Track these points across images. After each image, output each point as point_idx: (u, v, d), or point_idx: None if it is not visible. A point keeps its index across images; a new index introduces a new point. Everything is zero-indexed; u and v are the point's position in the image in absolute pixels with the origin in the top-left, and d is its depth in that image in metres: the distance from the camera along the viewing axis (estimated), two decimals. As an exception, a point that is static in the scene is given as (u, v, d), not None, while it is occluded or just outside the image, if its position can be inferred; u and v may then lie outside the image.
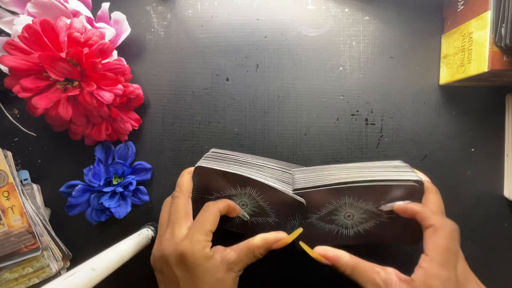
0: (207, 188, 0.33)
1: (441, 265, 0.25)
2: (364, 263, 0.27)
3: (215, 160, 0.33)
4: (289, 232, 0.31)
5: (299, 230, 0.31)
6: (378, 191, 0.30)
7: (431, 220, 0.27)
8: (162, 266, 0.29)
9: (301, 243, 0.30)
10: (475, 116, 0.39)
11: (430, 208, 0.28)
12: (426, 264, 0.25)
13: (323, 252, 0.29)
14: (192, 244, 0.27)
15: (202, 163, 0.32)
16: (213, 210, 0.30)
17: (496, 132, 0.39)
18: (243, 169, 0.32)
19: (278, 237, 0.30)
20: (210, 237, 0.28)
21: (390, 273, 0.26)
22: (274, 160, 0.38)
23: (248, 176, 0.31)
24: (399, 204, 0.30)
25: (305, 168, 0.36)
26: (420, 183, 0.30)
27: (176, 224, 0.29)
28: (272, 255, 0.30)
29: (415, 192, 0.30)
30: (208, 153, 0.35)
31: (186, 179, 0.32)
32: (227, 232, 0.34)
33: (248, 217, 0.33)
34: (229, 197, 0.33)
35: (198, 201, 0.32)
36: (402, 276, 0.26)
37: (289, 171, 0.35)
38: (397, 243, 0.33)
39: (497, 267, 0.40)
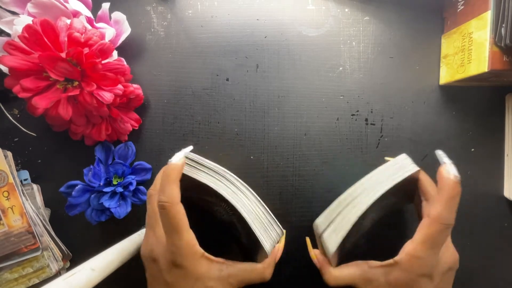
0: (189, 187, 0.31)
1: (424, 252, 0.27)
2: (345, 267, 0.30)
3: (195, 168, 0.31)
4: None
5: (284, 234, 0.32)
6: (389, 192, 0.31)
7: (433, 210, 0.27)
8: (150, 265, 0.29)
9: (307, 239, 0.33)
10: (475, 116, 0.39)
11: (446, 198, 0.27)
12: (410, 250, 0.27)
13: (318, 254, 0.32)
14: (183, 252, 0.26)
15: (184, 171, 0.30)
16: (176, 212, 0.26)
17: (496, 132, 0.39)
18: (222, 185, 0.30)
19: (276, 250, 0.31)
20: (193, 237, 0.27)
21: (373, 264, 0.29)
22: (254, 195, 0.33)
23: (225, 196, 0.30)
24: (445, 172, 0.28)
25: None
26: (418, 171, 0.31)
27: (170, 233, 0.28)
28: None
29: (415, 176, 0.31)
30: (188, 155, 0.31)
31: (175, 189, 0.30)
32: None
33: (191, 147, 0.31)
34: (206, 201, 0.33)
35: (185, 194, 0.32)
36: (385, 262, 0.28)
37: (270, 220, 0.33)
38: (398, 208, 0.37)
39: (497, 267, 0.40)
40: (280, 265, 0.39)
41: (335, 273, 0.30)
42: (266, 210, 0.31)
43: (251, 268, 0.29)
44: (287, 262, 0.39)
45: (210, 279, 0.27)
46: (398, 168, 0.32)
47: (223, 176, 0.31)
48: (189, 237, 0.27)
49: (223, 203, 0.31)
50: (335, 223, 0.30)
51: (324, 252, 0.31)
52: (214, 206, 0.33)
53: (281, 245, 0.31)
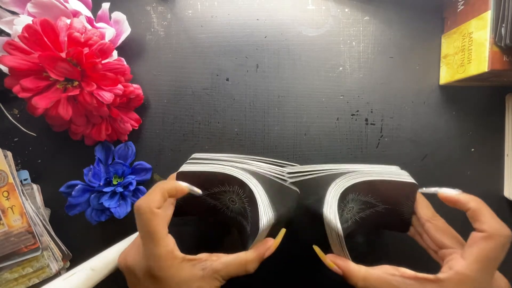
0: (200, 186, 0.32)
1: (480, 272, 0.24)
2: (373, 269, 0.26)
3: (199, 163, 0.33)
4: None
5: (283, 231, 0.31)
6: (383, 186, 0.31)
7: (485, 225, 0.24)
8: (127, 274, 0.28)
9: (315, 247, 0.30)
10: (475, 116, 0.39)
11: (487, 209, 0.25)
12: (462, 269, 0.24)
13: (334, 259, 0.28)
14: (162, 264, 0.25)
15: (184, 168, 0.32)
16: (151, 216, 0.26)
17: (496, 132, 0.39)
18: (229, 168, 0.32)
19: (267, 245, 0.29)
20: (170, 242, 0.26)
21: (405, 272, 0.25)
22: (264, 158, 0.36)
23: (234, 175, 0.30)
24: (450, 193, 0.27)
25: (299, 167, 0.35)
26: (417, 186, 0.30)
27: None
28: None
29: (411, 192, 0.30)
30: (190, 158, 0.35)
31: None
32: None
33: (200, 192, 0.31)
34: (218, 193, 0.33)
35: (186, 201, 0.32)
36: (423, 275, 0.25)
37: (281, 171, 0.34)
38: (388, 229, 0.35)
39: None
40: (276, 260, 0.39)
41: (363, 272, 0.26)
42: (265, 192, 0.31)
43: (234, 261, 0.27)
44: (285, 255, 0.39)
45: (194, 280, 0.26)
46: (394, 173, 0.32)
47: (231, 161, 0.33)
48: (166, 244, 0.26)
49: (236, 187, 0.31)
50: (326, 198, 0.29)
51: (338, 250, 0.29)
52: (227, 196, 0.33)
53: (276, 241, 0.30)
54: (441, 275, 0.24)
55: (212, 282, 0.26)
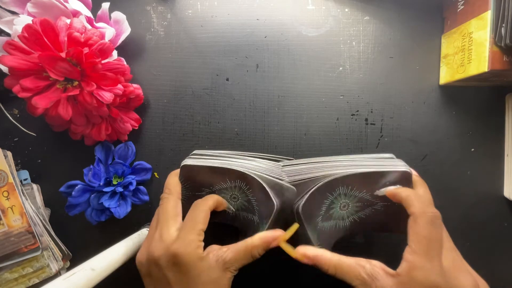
0: (196, 185, 0.32)
1: (424, 255, 0.24)
2: (346, 259, 0.26)
3: (200, 158, 0.33)
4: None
5: (296, 226, 0.30)
6: (371, 178, 0.30)
7: (412, 208, 0.26)
8: (150, 269, 0.28)
9: (282, 244, 0.28)
10: (475, 116, 0.39)
11: (414, 195, 0.27)
12: (410, 256, 0.25)
13: (303, 251, 0.27)
14: (185, 245, 0.27)
15: (187, 161, 0.32)
16: (203, 208, 0.30)
17: (496, 132, 0.39)
18: (229, 163, 0.32)
19: (275, 235, 0.29)
20: (202, 237, 0.28)
21: (375, 266, 0.26)
22: (261, 154, 0.37)
23: (235, 168, 0.31)
24: (390, 189, 0.29)
25: (294, 160, 0.35)
26: (408, 173, 0.30)
27: (165, 226, 0.29)
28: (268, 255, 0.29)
29: (405, 180, 0.30)
30: (191, 154, 0.35)
31: (174, 180, 0.32)
32: (223, 229, 0.34)
33: (233, 209, 0.33)
34: (219, 191, 0.33)
35: (189, 200, 0.33)
36: (389, 269, 0.25)
37: (278, 167, 0.35)
38: (391, 231, 0.33)
39: (497, 267, 0.40)
40: (274, 266, 0.39)
41: (336, 260, 0.26)
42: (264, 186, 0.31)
43: (241, 247, 0.28)
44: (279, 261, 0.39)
45: (210, 270, 0.27)
46: (387, 164, 0.31)
47: (230, 157, 0.34)
48: (200, 234, 0.28)
49: (239, 181, 0.31)
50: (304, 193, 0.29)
51: (305, 239, 0.29)
52: (229, 193, 0.33)
53: (287, 234, 0.29)
54: (398, 269, 0.25)
55: (224, 274, 0.27)
